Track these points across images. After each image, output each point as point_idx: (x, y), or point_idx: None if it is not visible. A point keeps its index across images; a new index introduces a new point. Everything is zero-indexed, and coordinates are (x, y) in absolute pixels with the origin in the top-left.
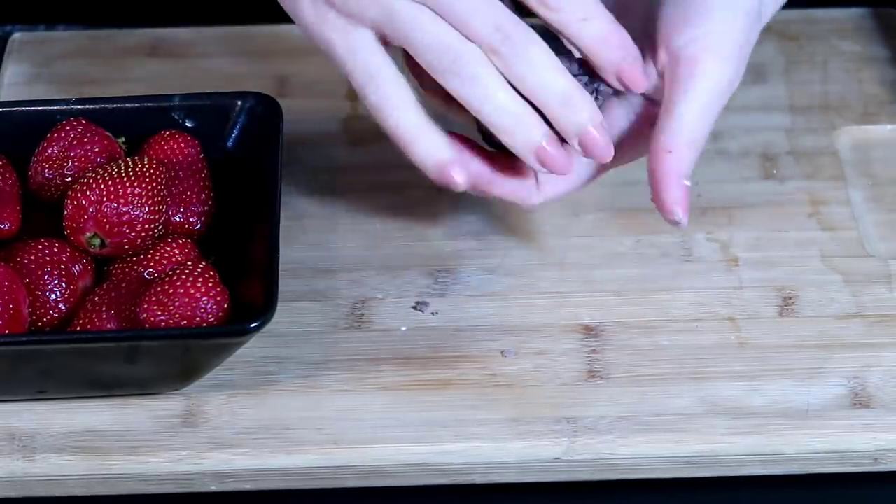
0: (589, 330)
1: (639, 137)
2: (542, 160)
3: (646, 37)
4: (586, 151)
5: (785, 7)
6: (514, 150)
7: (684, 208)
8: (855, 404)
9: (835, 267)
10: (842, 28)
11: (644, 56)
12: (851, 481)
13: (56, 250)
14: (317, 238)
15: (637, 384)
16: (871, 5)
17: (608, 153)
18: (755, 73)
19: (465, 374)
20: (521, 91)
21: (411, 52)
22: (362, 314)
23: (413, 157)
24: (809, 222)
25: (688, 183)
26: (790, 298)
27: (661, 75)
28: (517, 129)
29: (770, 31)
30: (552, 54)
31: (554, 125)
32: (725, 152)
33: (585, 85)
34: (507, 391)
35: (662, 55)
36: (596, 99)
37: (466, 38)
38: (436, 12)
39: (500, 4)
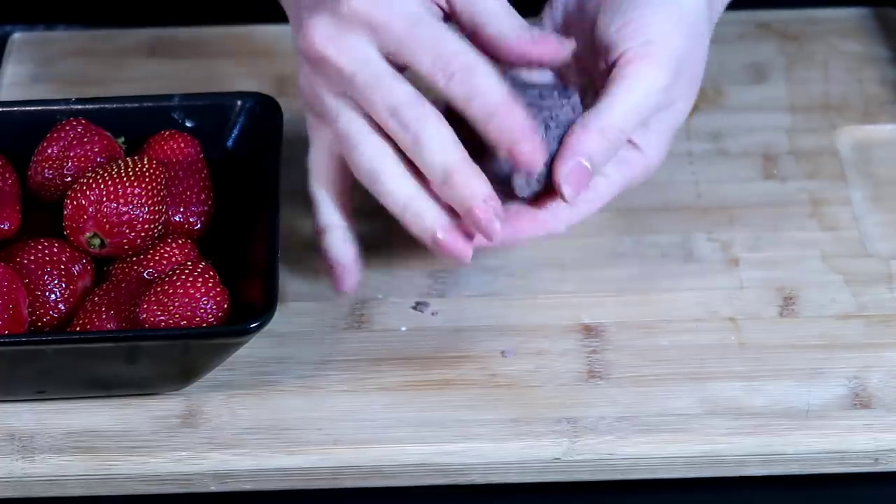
0: (589, 330)
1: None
2: (439, 246)
3: (598, 44)
4: (473, 227)
5: (785, 7)
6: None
7: (575, 184)
8: (855, 404)
9: (835, 267)
10: (842, 28)
11: (595, 64)
12: (851, 481)
13: (56, 250)
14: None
15: (637, 384)
16: (871, 5)
17: (491, 230)
18: (755, 73)
19: (465, 374)
20: (427, 174)
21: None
22: (362, 314)
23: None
24: (810, 222)
25: (586, 163)
26: (790, 298)
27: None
28: (407, 216)
29: (770, 31)
30: (442, 131)
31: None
32: (725, 152)
33: (557, 97)
34: (507, 391)
35: (604, 61)
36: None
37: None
38: (357, 103)
39: (402, 84)
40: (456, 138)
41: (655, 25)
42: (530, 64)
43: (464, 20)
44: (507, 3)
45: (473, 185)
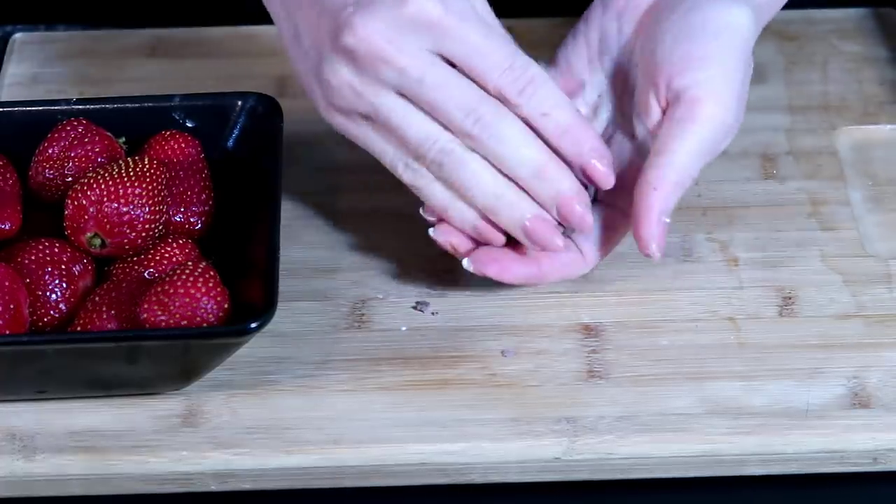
0: (589, 330)
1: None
2: (529, 236)
3: (647, 76)
4: (564, 220)
5: (785, 7)
6: (505, 229)
7: (659, 244)
8: (854, 404)
9: (835, 267)
10: (842, 28)
11: (647, 97)
12: (851, 481)
13: (56, 250)
14: (317, 238)
15: (637, 384)
16: (871, 5)
17: (585, 221)
18: (755, 72)
19: (465, 373)
20: (501, 169)
21: (402, 147)
22: (362, 314)
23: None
24: (809, 222)
25: (667, 220)
26: (790, 298)
27: (663, 112)
28: (501, 209)
29: (770, 31)
30: (524, 128)
31: (534, 198)
32: (725, 152)
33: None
34: (507, 391)
35: (663, 94)
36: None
37: (445, 126)
38: (413, 103)
39: (471, 85)
40: (533, 134)
41: (715, 57)
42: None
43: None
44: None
45: (565, 178)
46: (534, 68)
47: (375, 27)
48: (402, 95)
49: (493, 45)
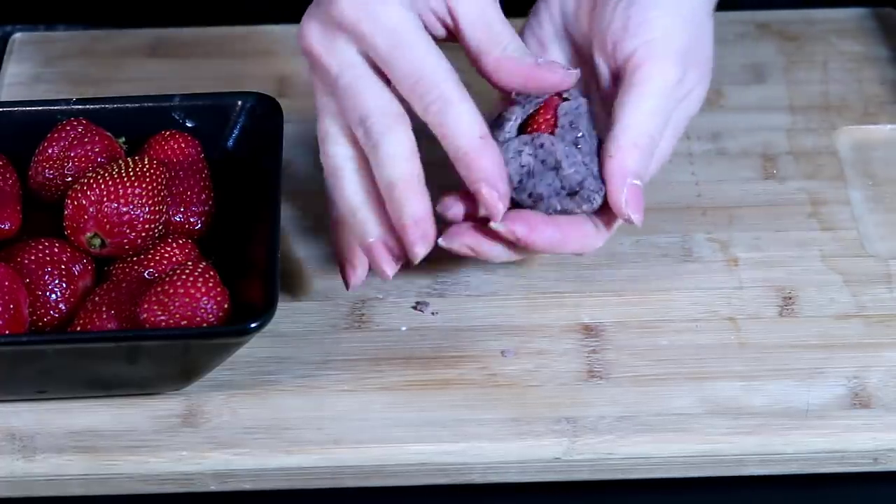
0: (589, 330)
1: None
2: (367, 255)
3: (598, 45)
4: (403, 242)
5: (785, 7)
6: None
7: (635, 207)
8: (855, 404)
9: (835, 267)
10: (842, 28)
11: (598, 66)
12: (851, 481)
13: (56, 250)
14: (317, 238)
15: (637, 384)
16: (871, 5)
17: (413, 252)
18: (755, 73)
19: (465, 374)
20: (379, 183)
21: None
22: (362, 314)
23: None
24: (809, 222)
25: (637, 182)
26: (790, 298)
27: (613, 80)
28: (355, 224)
29: (770, 31)
30: (402, 144)
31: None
32: (725, 152)
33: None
34: (507, 391)
35: (611, 62)
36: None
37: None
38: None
39: (377, 89)
40: (412, 153)
41: (657, 20)
42: (536, 91)
43: (468, 42)
44: (514, 31)
45: (411, 204)
46: (444, 85)
47: (312, 28)
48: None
49: (402, 56)
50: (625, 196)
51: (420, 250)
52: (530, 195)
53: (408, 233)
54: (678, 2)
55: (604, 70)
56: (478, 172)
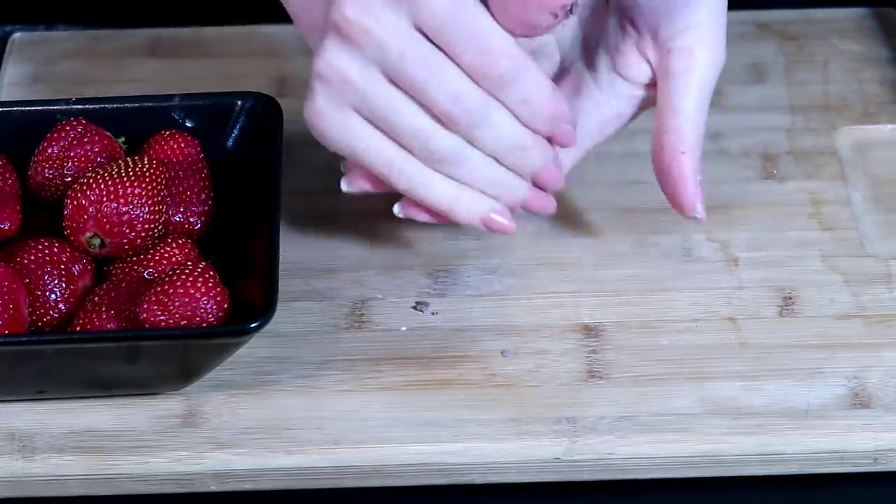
0: (589, 330)
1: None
2: (489, 227)
3: (627, 22)
4: (541, 186)
5: (785, 7)
6: (460, 223)
7: (703, 203)
8: (855, 404)
9: (835, 267)
10: (842, 28)
11: (627, 45)
12: (851, 481)
13: (56, 250)
14: (317, 238)
15: (637, 384)
16: (871, 5)
17: (557, 184)
18: (755, 73)
19: (465, 374)
20: (486, 152)
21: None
22: (362, 314)
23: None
24: (809, 222)
25: (701, 177)
26: (790, 298)
27: (648, 64)
28: (467, 202)
29: (770, 31)
30: (506, 113)
31: (512, 170)
32: (725, 152)
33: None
34: (507, 391)
35: (650, 47)
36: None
37: (435, 116)
38: (403, 90)
39: (451, 65)
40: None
41: (703, 26)
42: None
43: None
44: None
45: (542, 149)
46: (512, 51)
47: (357, 1)
48: (392, 82)
49: (461, 21)
50: (696, 193)
51: (560, 181)
52: None
53: (550, 171)
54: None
55: (630, 50)
56: (559, 117)
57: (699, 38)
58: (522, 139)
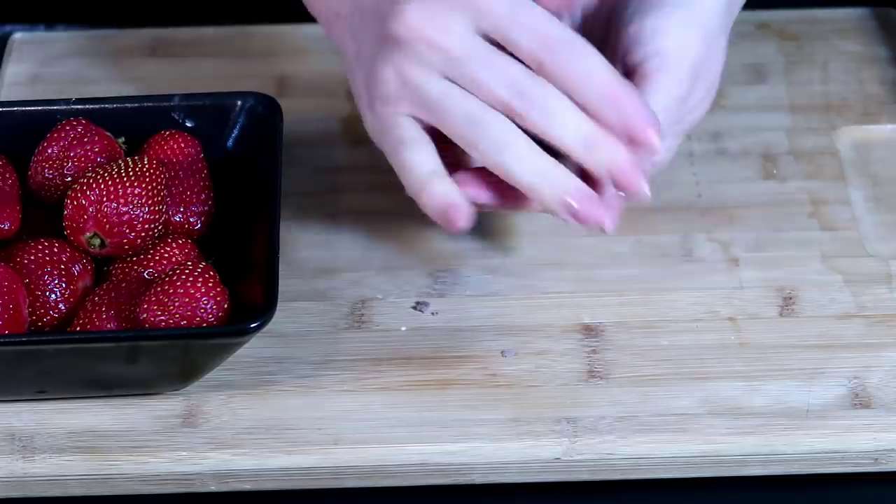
0: (589, 330)
1: None
2: (572, 213)
3: (613, 44)
4: (619, 186)
5: (785, 7)
6: (546, 208)
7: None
8: (855, 404)
9: (835, 267)
10: (842, 28)
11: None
12: (851, 481)
13: (56, 250)
14: (317, 238)
15: (637, 384)
16: (871, 5)
17: (639, 185)
18: (755, 73)
19: (465, 374)
20: (549, 142)
21: (448, 133)
22: (362, 314)
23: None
24: (810, 222)
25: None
26: (790, 298)
27: None
28: (543, 186)
29: (770, 31)
30: (568, 101)
31: (587, 169)
32: (725, 152)
33: None
34: (507, 391)
35: (620, 62)
36: None
37: (491, 105)
38: (459, 85)
39: (513, 62)
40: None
41: (672, 30)
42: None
43: None
44: None
45: (618, 146)
46: (568, 35)
47: (417, 10)
48: (451, 81)
49: (523, 15)
50: (646, 118)
51: (642, 182)
52: None
53: (627, 167)
54: (694, 15)
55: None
56: (637, 115)
57: (661, 65)
58: (593, 129)
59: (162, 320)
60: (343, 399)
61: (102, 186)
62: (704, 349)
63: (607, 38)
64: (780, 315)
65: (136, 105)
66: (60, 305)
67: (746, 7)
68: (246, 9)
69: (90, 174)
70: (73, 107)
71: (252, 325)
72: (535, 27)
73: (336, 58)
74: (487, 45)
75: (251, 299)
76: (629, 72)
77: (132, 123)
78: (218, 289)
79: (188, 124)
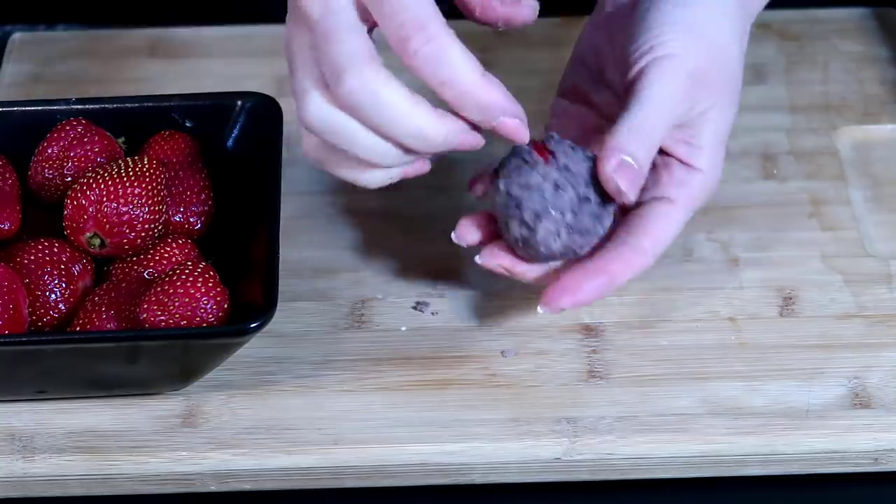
0: (589, 330)
1: None
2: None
3: (610, 64)
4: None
5: (785, 7)
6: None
7: (626, 181)
8: (855, 404)
9: (835, 267)
10: (842, 28)
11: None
12: (851, 481)
13: (56, 250)
14: (317, 238)
15: (637, 384)
16: (871, 5)
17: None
18: (755, 73)
19: (465, 374)
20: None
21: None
22: (362, 314)
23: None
24: (809, 222)
25: (630, 160)
26: (790, 298)
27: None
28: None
29: (770, 31)
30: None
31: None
32: (726, 152)
33: (597, 206)
34: (507, 391)
35: (620, 84)
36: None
37: None
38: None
39: (355, 36)
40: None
41: (671, 41)
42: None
43: None
44: None
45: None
46: (433, 25)
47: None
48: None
49: (394, 8)
50: (613, 164)
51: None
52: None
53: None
54: (697, 24)
55: (616, 87)
56: (493, 107)
57: (657, 74)
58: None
59: (162, 320)
60: (343, 399)
61: (102, 186)
62: (704, 349)
63: (609, 48)
64: (780, 315)
65: (136, 105)
66: (60, 305)
67: None
68: (246, 9)
69: (90, 174)
70: (73, 107)
71: (252, 325)
72: (399, 7)
73: None
74: (349, 16)
75: (251, 299)
76: (627, 83)
77: (132, 123)
78: (218, 289)
79: (188, 124)
